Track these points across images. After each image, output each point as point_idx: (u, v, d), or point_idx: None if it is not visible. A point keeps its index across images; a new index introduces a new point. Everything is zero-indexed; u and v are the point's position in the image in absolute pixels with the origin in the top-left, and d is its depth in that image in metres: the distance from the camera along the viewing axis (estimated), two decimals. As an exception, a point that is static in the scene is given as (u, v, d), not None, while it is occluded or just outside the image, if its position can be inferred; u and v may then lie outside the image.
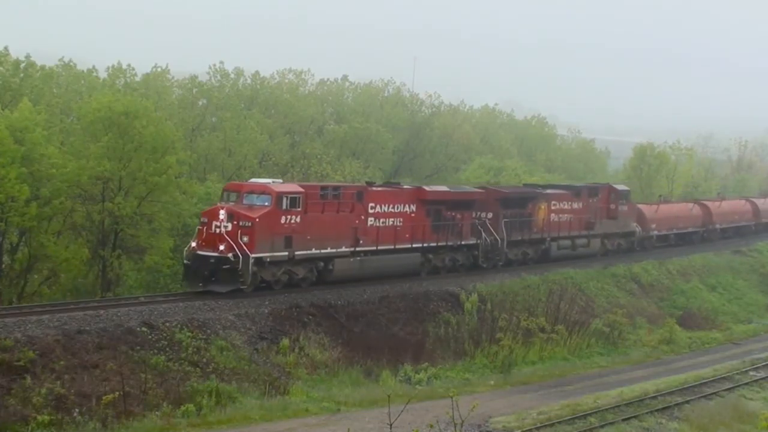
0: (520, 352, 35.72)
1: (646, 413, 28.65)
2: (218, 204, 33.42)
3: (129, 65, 59.68)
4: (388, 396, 24.84)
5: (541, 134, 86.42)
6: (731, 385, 33.55)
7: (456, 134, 71.73)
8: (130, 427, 23.79)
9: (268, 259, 32.83)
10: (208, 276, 32.06)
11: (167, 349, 27.75)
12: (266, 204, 32.60)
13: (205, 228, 32.44)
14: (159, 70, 61.23)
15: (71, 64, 58.30)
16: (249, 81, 66.58)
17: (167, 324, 28.76)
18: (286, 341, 30.81)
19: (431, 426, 13.82)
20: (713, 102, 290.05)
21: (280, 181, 35.92)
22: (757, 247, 60.73)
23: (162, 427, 24.01)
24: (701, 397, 31.54)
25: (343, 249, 35.60)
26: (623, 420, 27.69)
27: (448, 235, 40.46)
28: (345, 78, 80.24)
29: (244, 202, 32.82)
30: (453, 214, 40.68)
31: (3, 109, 41.44)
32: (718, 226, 62.12)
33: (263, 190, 33.00)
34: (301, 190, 33.99)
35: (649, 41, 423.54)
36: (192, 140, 52.47)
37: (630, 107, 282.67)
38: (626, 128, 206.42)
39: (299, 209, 33.37)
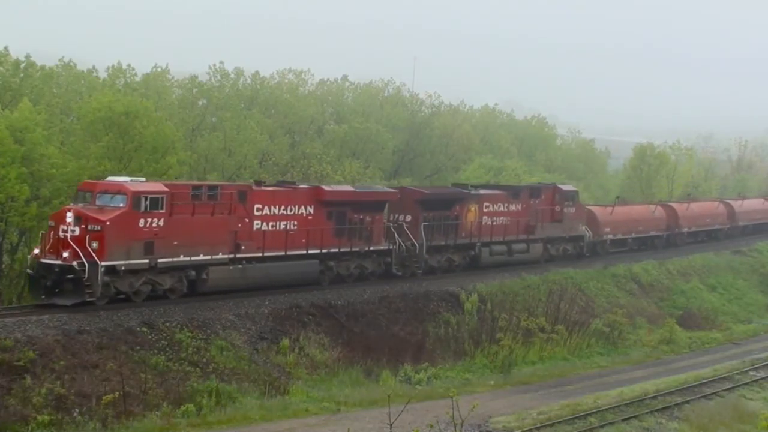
0: (520, 352, 35.72)
1: (646, 413, 28.67)
2: (69, 205, 30.15)
3: (129, 65, 59.65)
4: (388, 396, 24.88)
5: (541, 134, 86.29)
6: (731, 385, 33.56)
7: (456, 134, 71.63)
8: (130, 427, 23.81)
9: (123, 268, 29.09)
10: (51, 287, 28.68)
11: (167, 349, 27.78)
12: (121, 205, 29.07)
13: (51, 233, 29.14)
14: (159, 70, 61.20)
15: (71, 64, 58.27)
16: (249, 81, 66.52)
17: (167, 324, 28.78)
18: (286, 341, 30.84)
19: (431, 426, 13.83)
20: (713, 102, 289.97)
21: (143, 179, 31.78)
22: (757, 247, 60.71)
23: (162, 427, 24.03)
24: (701, 397, 31.55)
25: (220, 256, 31.76)
26: (623, 420, 27.71)
27: (354, 239, 36.57)
28: (345, 78, 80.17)
29: (97, 203, 29.35)
30: (361, 216, 36.86)
31: (3, 109, 41.44)
32: (685, 229, 58.77)
33: (118, 190, 29.45)
34: (165, 189, 30.26)
35: (649, 41, 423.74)
36: (192, 140, 52.44)
37: (630, 107, 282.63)
38: (626, 128, 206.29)
39: (163, 211, 29.76)
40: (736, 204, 65.75)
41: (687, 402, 30.56)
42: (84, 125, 42.54)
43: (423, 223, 39.39)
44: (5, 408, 23.24)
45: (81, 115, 44.08)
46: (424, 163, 70.66)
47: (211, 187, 32.14)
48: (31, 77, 46.77)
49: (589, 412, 28.04)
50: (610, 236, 52.07)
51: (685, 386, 32.72)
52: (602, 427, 26.97)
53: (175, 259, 30.49)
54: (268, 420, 25.25)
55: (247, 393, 27.21)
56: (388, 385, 30.22)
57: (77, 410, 24.03)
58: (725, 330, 46.13)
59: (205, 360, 28.08)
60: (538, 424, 26.34)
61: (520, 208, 44.94)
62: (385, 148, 63.77)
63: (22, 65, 46.72)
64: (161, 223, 29.83)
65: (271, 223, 33.63)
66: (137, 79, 58.89)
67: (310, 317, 33.03)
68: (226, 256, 32.00)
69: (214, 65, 64.03)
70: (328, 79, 78.78)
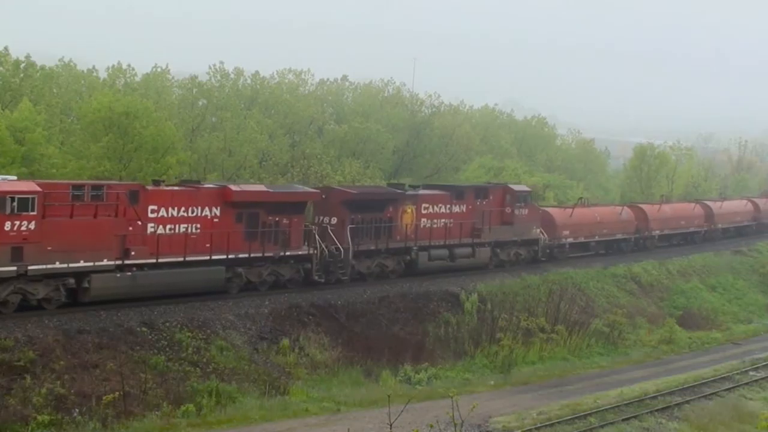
0: (520, 352, 35.71)
1: (646, 413, 28.68)
2: None
3: (129, 65, 59.76)
4: (388, 396, 24.90)
5: (541, 134, 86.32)
6: (731, 385, 33.57)
7: (456, 134, 71.61)
8: (130, 427, 23.82)
9: None
10: None
11: (167, 349, 27.79)
12: None
13: None
14: (159, 70, 61.26)
15: (71, 64, 58.36)
16: (249, 81, 66.59)
17: (167, 324, 28.80)
18: (286, 341, 30.85)
19: (431, 426, 13.81)
20: (713, 102, 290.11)
21: (14, 178, 28.94)
22: (757, 247, 60.70)
23: (162, 427, 24.03)
24: (701, 397, 31.56)
25: (105, 262, 28.90)
26: (623, 420, 27.72)
27: (267, 244, 33.68)
28: (345, 78, 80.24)
29: None
30: (276, 218, 34.07)
31: (3, 109, 41.47)
32: (656, 232, 55.90)
33: None
34: (37, 189, 27.50)
35: (649, 42, 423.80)
36: (192, 140, 52.45)
37: (630, 107, 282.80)
38: (626, 128, 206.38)
39: (34, 213, 27.11)
40: (715, 205, 62.90)
41: (687, 402, 30.57)
42: (84, 125, 42.58)
43: (350, 226, 36.46)
44: (5, 408, 23.24)
45: (81, 115, 44.13)
46: (424, 163, 70.66)
47: (96, 187, 29.43)
48: (31, 77, 46.81)
49: (589, 412, 28.05)
50: (570, 240, 48.69)
51: (685, 386, 32.73)
52: (602, 427, 26.98)
53: (49, 266, 27.64)
54: (268, 420, 25.25)
55: (247, 393, 27.22)
56: (388, 385, 30.22)
57: (77, 410, 24.04)
58: (725, 330, 46.13)
59: (205, 360, 28.09)
60: (538, 424, 26.34)
61: (464, 209, 41.73)
62: (385, 148, 63.77)
63: (22, 65, 46.76)
64: (32, 226, 27.12)
65: (168, 226, 30.80)
66: (137, 79, 58.97)
67: (310, 317, 33.04)
68: (112, 263, 29.08)
69: (214, 65, 64.14)
70: (328, 79, 78.86)
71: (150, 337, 27.96)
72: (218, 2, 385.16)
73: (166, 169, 40.51)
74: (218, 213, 32.31)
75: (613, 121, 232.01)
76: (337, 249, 36.03)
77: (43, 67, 49.38)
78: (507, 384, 32.39)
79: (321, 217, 36.92)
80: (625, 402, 29.74)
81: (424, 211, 39.96)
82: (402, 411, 15.21)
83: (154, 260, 30.16)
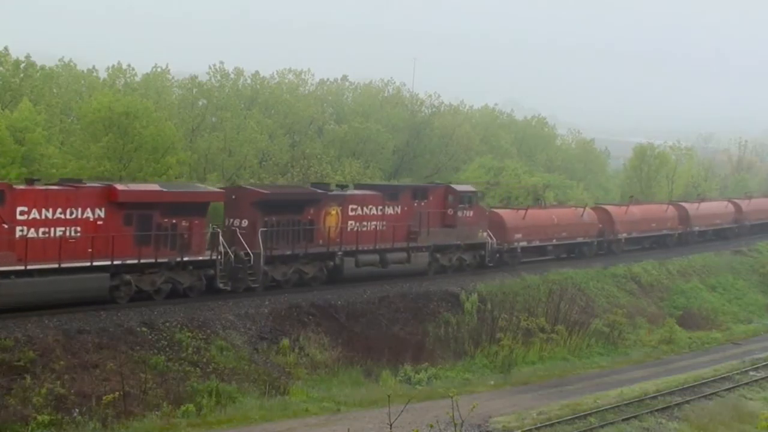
0: (520, 352, 35.71)
1: (646, 413, 28.67)
2: None
3: (129, 65, 59.78)
4: (388, 396, 24.90)
5: (541, 134, 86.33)
6: (731, 385, 33.57)
7: (456, 134, 71.64)
8: (130, 427, 23.82)
9: None
10: None
11: (167, 349, 27.80)
12: None
13: None
14: (159, 70, 61.28)
15: (71, 64, 58.37)
16: (249, 81, 66.61)
17: (167, 324, 28.80)
18: (286, 341, 30.85)
19: (431, 426, 13.81)
20: (713, 102, 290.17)
21: None
22: (757, 247, 60.69)
23: (162, 427, 24.03)
24: (701, 397, 31.56)
25: None
26: (623, 420, 27.72)
27: (162, 248, 30.62)
28: (345, 78, 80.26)
29: None
30: (173, 220, 31.06)
31: (3, 109, 41.49)
32: (623, 235, 52.90)
33: None
34: None
35: (649, 42, 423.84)
36: (192, 140, 52.46)
37: (630, 107, 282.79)
38: (626, 128, 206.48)
39: None
40: (691, 207, 60.15)
41: (687, 402, 30.56)
42: (84, 125, 42.60)
43: (262, 229, 33.56)
44: (5, 408, 23.25)
45: (81, 115, 44.15)
46: (424, 163, 70.68)
47: None
48: (31, 77, 46.84)
49: (589, 412, 28.04)
50: (523, 243, 45.43)
51: (685, 386, 32.72)
52: (602, 427, 26.97)
53: None
54: (268, 420, 25.25)
55: (247, 393, 27.23)
56: (388, 385, 30.22)
57: (77, 410, 24.04)
58: (725, 330, 46.12)
59: (205, 360, 28.10)
60: (538, 424, 26.34)
61: (399, 211, 38.91)
62: (385, 148, 63.78)
63: (22, 65, 46.79)
64: None
65: (41, 230, 28.00)
66: (137, 79, 58.98)
67: (310, 317, 33.05)
68: None
69: (214, 65, 64.17)
70: (328, 79, 78.89)
71: (150, 337, 27.97)
72: (218, 2, 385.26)
73: (166, 169, 40.52)
74: (102, 215, 29.45)
75: (613, 121, 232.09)
76: (247, 254, 33.06)
77: (43, 67, 49.40)
78: (507, 384, 32.39)
79: (231, 220, 34.20)
80: (625, 402, 29.73)
81: (351, 213, 36.97)
82: (402, 411, 15.21)
83: (22, 267, 27.17)
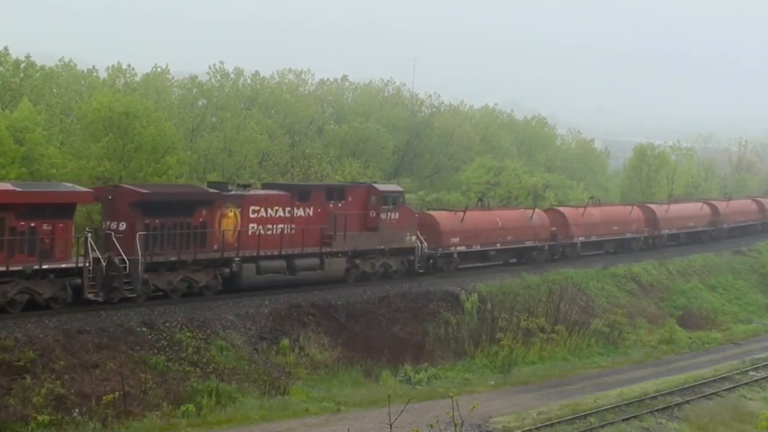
0: (520, 352, 35.73)
1: (646, 413, 28.68)
2: None
3: (129, 65, 59.83)
4: (388, 396, 24.92)
5: (541, 134, 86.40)
6: (731, 385, 33.58)
7: (456, 134, 71.72)
8: (130, 427, 23.83)
9: None
10: None
11: (167, 349, 27.80)
12: None
13: None
14: (159, 70, 61.32)
15: (71, 64, 58.41)
16: (249, 81, 66.67)
17: (167, 324, 28.81)
18: (286, 341, 30.85)
19: (431, 426, 13.81)
20: (713, 102, 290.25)
21: None
22: (757, 247, 60.68)
23: (162, 427, 24.04)
24: (701, 397, 31.57)
25: None
26: (623, 420, 27.73)
27: (16, 255, 27.47)
28: (345, 78, 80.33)
29: None
30: (31, 224, 27.87)
31: (3, 109, 41.49)
32: (579, 239, 49.21)
33: None
34: None
35: (649, 42, 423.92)
36: (192, 140, 52.49)
37: (630, 107, 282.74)
38: (626, 128, 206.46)
39: None
40: (660, 209, 56.98)
41: (687, 402, 30.57)
42: (84, 125, 42.60)
43: (141, 232, 30.04)
44: (5, 408, 23.25)
45: (81, 115, 44.15)
46: (424, 163, 70.75)
47: None
48: (31, 77, 46.85)
49: (589, 412, 28.05)
50: (461, 248, 41.83)
51: (685, 386, 32.74)
52: (602, 427, 26.99)
53: None
54: (268, 420, 25.26)
55: (247, 393, 27.23)
56: (388, 385, 30.22)
57: (77, 410, 24.04)
58: (725, 330, 46.14)
59: (205, 360, 28.10)
60: (538, 424, 26.35)
61: (310, 213, 35.46)
62: (385, 148, 63.83)
63: (22, 65, 46.80)
64: None
65: None
66: (137, 79, 59.03)
67: (310, 317, 33.05)
68: None
69: (214, 65, 64.25)
70: (328, 79, 78.98)
71: (150, 337, 27.97)
72: (219, 2, 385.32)
73: (166, 169, 40.52)
74: None
75: (613, 121, 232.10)
76: (123, 261, 29.45)
77: (43, 67, 49.42)
78: (507, 384, 32.39)
79: (108, 222, 30.63)
80: (625, 402, 29.74)
81: (252, 215, 33.50)
82: (402, 411, 15.22)
83: None
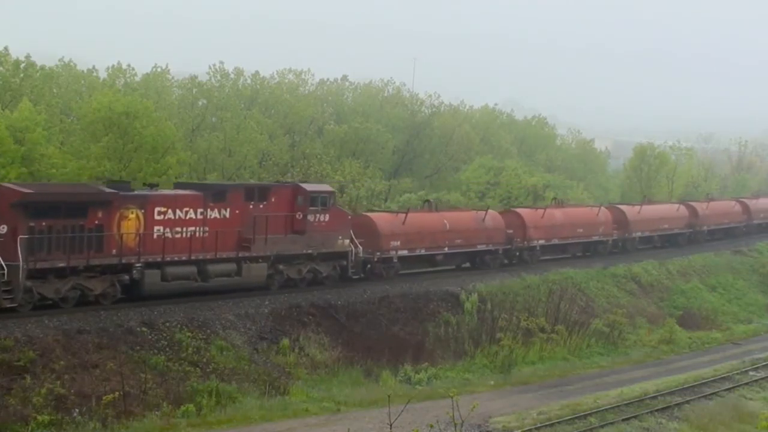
0: (520, 352, 35.73)
1: (646, 413, 28.68)
2: None
3: (129, 65, 59.90)
4: (388, 396, 24.91)
5: (541, 134, 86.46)
6: (731, 385, 33.57)
7: (456, 134, 71.76)
8: (130, 427, 23.82)
9: None
10: None
11: (167, 349, 27.80)
12: None
13: None
14: (159, 70, 61.37)
15: (71, 64, 58.45)
16: (249, 81, 66.71)
17: (167, 324, 28.80)
18: (286, 341, 30.85)
19: (431, 426, 13.83)
20: (713, 102, 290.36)
21: None
22: (757, 247, 60.66)
23: (162, 427, 24.04)
24: (701, 397, 31.57)
25: None
26: (623, 420, 27.72)
27: None
28: (345, 78, 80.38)
29: None
30: None
31: (3, 109, 41.51)
32: (538, 242, 46.68)
33: None
34: None
35: (649, 42, 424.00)
36: (192, 140, 52.53)
37: (630, 107, 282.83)
38: (626, 128, 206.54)
39: None
40: (632, 211, 54.46)
41: (687, 402, 30.57)
42: (84, 125, 42.65)
43: (22, 236, 27.33)
44: (5, 408, 23.25)
45: (81, 115, 44.21)
46: (424, 163, 70.78)
47: None
48: (31, 77, 46.90)
49: (589, 412, 28.05)
50: (403, 252, 39.41)
51: (685, 386, 32.73)
52: (602, 427, 26.98)
53: None
54: (268, 420, 25.26)
55: (247, 393, 27.23)
56: (388, 385, 30.22)
57: (77, 410, 24.04)
58: (725, 330, 46.14)
59: (205, 360, 28.09)
60: (538, 424, 26.35)
61: (227, 214, 32.67)
62: (385, 148, 63.86)
63: (22, 65, 46.86)
64: None
65: None
66: (137, 79, 59.09)
67: (310, 317, 33.04)
68: None
69: (214, 65, 64.31)
70: (328, 79, 79.07)
71: (150, 337, 27.97)
72: (219, 2, 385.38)
73: (166, 169, 40.56)
74: None
75: (613, 121, 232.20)
76: (1, 267, 26.79)
77: (43, 67, 49.48)
78: (507, 384, 32.39)
79: None
80: (625, 402, 29.74)
81: (158, 217, 30.73)
82: (402, 411, 15.24)
83: None
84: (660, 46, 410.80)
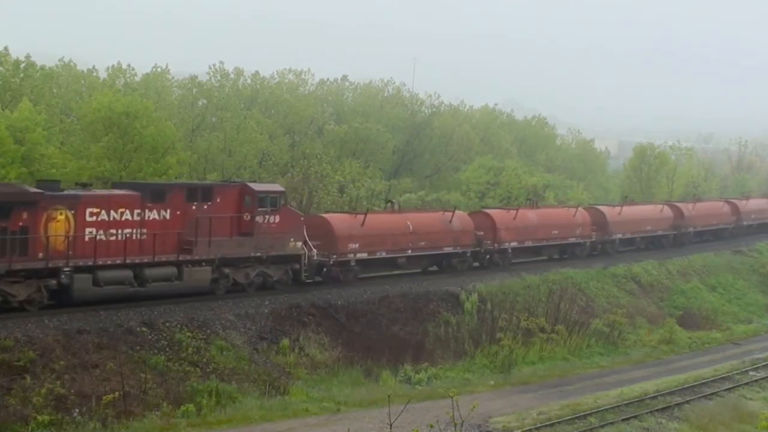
0: (520, 352, 35.72)
1: (646, 413, 28.67)
2: None
3: (129, 65, 59.91)
4: (388, 396, 24.90)
5: (541, 134, 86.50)
6: (731, 385, 33.57)
7: (456, 134, 71.77)
8: (130, 427, 23.82)
9: None
10: None
11: (167, 349, 27.80)
12: None
13: None
14: (159, 70, 61.38)
15: (71, 64, 58.46)
16: (249, 81, 66.72)
17: (167, 324, 28.80)
18: (286, 341, 30.84)
19: (431, 426, 13.83)
20: (713, 102, 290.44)
21: None
22: (757, 248, 60.63)
23: (162, 427, 24.03)
24: (701, 397, 31.56)
25: None
26: (623, 420, 27.72)
27: None
28: (345, 78, 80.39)
29: None
30: None
31: (3, 109, 41.52)
32: (510, 244, 45.02)
33: None
34: None
35: (649, 42, 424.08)
36: (192, 140, 52.52)
37: (630, 107, 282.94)
38: (626, 128, 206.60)
39: None
40: (612, 212, 52.93)
41: (687, 402, 30.56)
42: (84, 125, 42.65)
43: None
44: (5, 408, 23.25)
45: (81, 115, 44.22)
46: (424, 163, 70.78)
47: None
48: (31, 77, 46.91)
49: (589, 412, 28.05)
50: (362, 255, 37.73)
51: (685, 386, 32.73)
52: (602, 427, 26.98)
53: None
54: (268, 420, 25.26)
55: (247, 393, 27.23)
56: (388, 385, 30.22)
57: (77, 410, 24.04)
58: (725, 330, 46.13)
59: (205, 360, 28.09)
60: (538, 424, 26.35)
61: (167, 215, 31.04)
62: (385, 148, 63.87)
63: (22, 65, 46.87)
64: None
65: None
66: (137, 79, 59.10)
67: (310, 317, 33.04)
68: None
69: (214, 65, 64.33)
70: (328, 79, 79.09)
71: (150, 337, 27.97)
72: (219, 2, 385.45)
73: (166, 169, 40.55)
74: None
75: (613, 121, 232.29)
76: None
77: (43, 67, 49.49)
78: (507, 384, 32.39)
79: None
80: (625, 402, 29.74)
81: (90, 218, 29.07)
82: (402, 411, 15.24)
83: None
84: (660, 46, 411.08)
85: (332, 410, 26.76)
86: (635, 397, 30.44)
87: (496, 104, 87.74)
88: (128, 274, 29.91)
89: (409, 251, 39.92)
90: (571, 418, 27.20)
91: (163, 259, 30.68)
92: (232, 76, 65.19)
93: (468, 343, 35.62)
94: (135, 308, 29.46)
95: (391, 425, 12.51)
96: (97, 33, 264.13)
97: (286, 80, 73.29)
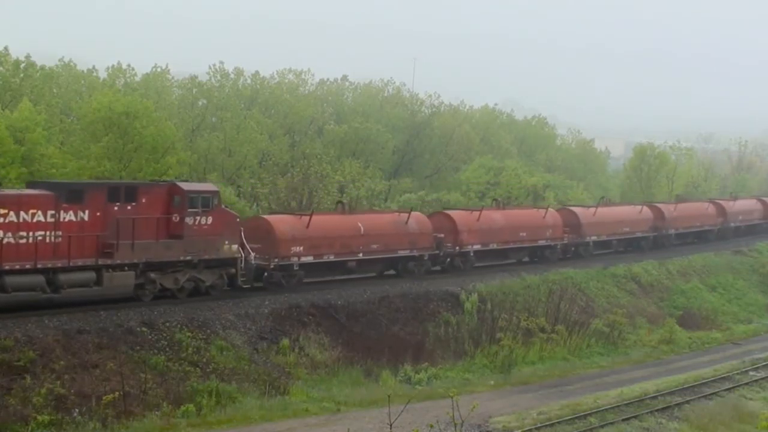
0: (520, 352, 35.72)
1: (646, 413, 28.68)
2: None
3: (129, 65, 59.92)
4: (388, 396, 24.91)
5: (541, 134, 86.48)
6: (731, 385, 33.57)
7: (456, 134, 71.75)
8: (130, 427, 23.83)
9: None
10: None
11: (167, 349, 27.80)
12: None
13: None
14: (159, 70, 61.39)
15: (71, 64, 58.46)
16: (249, 81, 66.72)
17: (167, 324, 28.80)
18: (286, 341, 30.84)
19: (431, 426, 13.82)
20: (713, 102, 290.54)
21: None
22: (758, 247, 60.61)
23: (162, 427, 24.04)
24: (701, 397, 31.56)
25: None
26: (623, 420, 27.72)
27: None
28: (345, 78, 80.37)
29: None
30: None
31: (3, 109, 41.52)
32: (473, 247, 42.94)
33: None
34: None
35: (649, 42, 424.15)
36: (192, 140, 52.53)
37: (630, 107, 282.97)
38: (626, 128, 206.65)
39: None
40: (585, 213, 50.93)
41: (687, 402, 30.57)
42: (84, 125, 42.66)
43: None
44: (5, 408, 23.25)
45: (81, 115, 44.23)
46: (424, 163, 70.77)
47: None
48: (31, 77, 46.92)
49: (589, 412, 28.05)
50: (306, 258, 35.76)
51: (685, 386, 32.73)
52: (602, 427, 26.98)
53: None
54: (268, 420, 25.26)
55: (247, 393, 27.23)
56: (388, 385, 30.22)
57: (77, 410, 24.04)
58: (725, 330, 46.12)
59: (205, 360, 28.09)
60: (538, 424, 26.35)
61: (85, 217, 28.96)
62: (385, 148, 63.86)
63: (22, 65, 46.88)
64: None
65: None
66: (137, 79, 59.11)
67: (310, 317, 33.04)
68: None
69: (214, 65, 64.32)
70: (328, 79, 79.07)
71: (150, 337, 27.97)
72: (219, 2, 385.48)
73: (166, 169, 40.56)
74: None
75: (613, 121, 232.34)
76: None
77: (43, 67, 49.49)
78: (507, 384, 32.39)
79: None
80: (625, 402, 29.74)
81: None
82: (402, 411, 15.23)
83: None
84: (660, 46, 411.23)
85: (332, 410, 26.76)
86: (635, 397, 30.44)
87: (496, 104, 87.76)
88: (40, 279, 27.83)
89: (360, 254, 37.81)
90: (571, 418, 27.21)
91: (80, 263, 28.66)
92: (232, 76, 65.21)
93: (468, 343, 35.62)
94: (135, 308, 29.46)
95: (391, 425, 12.50)
96: (97, 33, 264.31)
97: (286, 80, 73.28)
